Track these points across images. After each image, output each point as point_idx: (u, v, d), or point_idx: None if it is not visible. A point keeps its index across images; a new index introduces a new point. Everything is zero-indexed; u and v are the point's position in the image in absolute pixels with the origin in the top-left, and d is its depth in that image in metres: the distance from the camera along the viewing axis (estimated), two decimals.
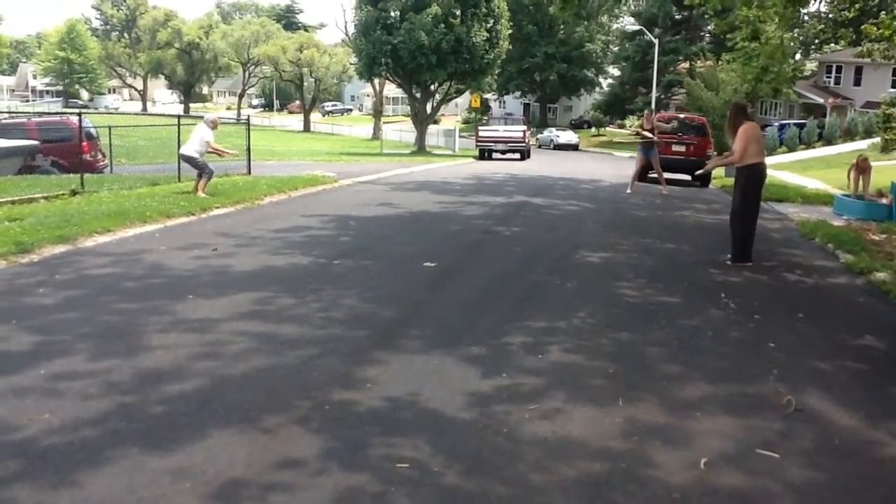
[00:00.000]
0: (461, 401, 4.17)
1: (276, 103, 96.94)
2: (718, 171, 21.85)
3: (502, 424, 3.87)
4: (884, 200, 13.68)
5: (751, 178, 8.48)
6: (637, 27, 58.78)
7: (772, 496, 3.26)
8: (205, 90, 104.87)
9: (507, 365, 4.80)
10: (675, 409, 4.17)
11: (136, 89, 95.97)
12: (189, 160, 12.94)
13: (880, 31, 15.69)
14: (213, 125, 13.34)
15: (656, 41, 49.14)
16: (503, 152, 33.31)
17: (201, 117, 14.74)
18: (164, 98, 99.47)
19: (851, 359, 5.31)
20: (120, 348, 4.89)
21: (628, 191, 17.13)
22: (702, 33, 63.56)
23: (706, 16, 57.19)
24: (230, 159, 14.90)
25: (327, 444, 3.60)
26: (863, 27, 16.64)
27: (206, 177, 12.80)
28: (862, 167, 15.39)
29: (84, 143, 15.67)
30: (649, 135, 16.97)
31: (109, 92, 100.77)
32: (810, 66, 52.20)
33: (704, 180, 20.99)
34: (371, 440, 3.64)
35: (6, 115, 23.08)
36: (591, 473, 3.39)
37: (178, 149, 13.91)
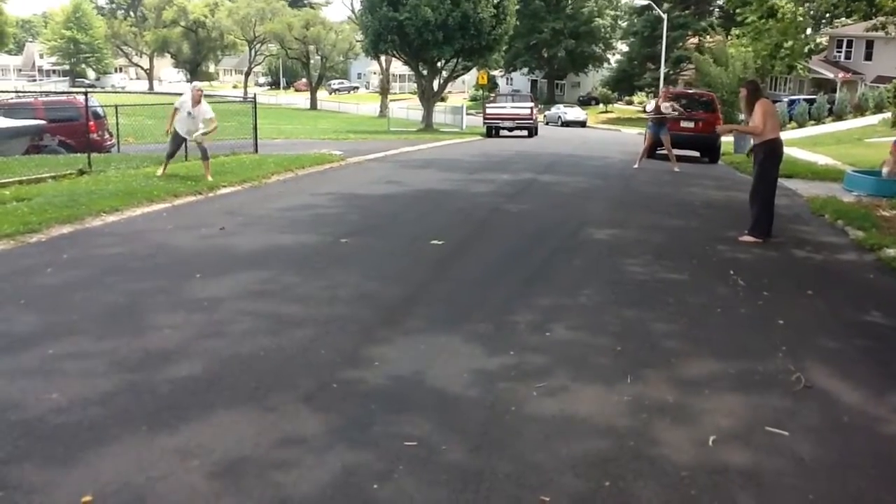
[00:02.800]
0: (468, 379, 4.17)
1: (283, 81, 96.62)
2: (727, 148, 21.77)
3: (509, 402, 3.87)
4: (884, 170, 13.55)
5: (770, 154, 8.52)
6: (646, 2, 58.22)
7: (780, 473, 3.25)
8: (211, 68, 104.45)
9: (513, 343, 4.79)
10: (683, 386, 4.16)
11: (142, 68, 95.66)
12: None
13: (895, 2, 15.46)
14: (196, 98, 12.30)
15: (665, 16, 48.64)
16: (511, 129, 33.12)
17: (207, 95, 14.47)
18: (171, 77, 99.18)
19: (861, 336, 5.28)
20: (127, 328, 4.90)
21: (635, 166, 17.07)
22: (711, 8, 62.98)
23: None
24: (235, 138, 14.74)
25: (334, 422, 3.60)
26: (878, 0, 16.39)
27: (167, 157, 12.65)
28: None
29: (91, 123, 15.67)
30: (668, 111, 16.96)
31: (116, 71, 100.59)
32: (821, 40, 51.67)
33: (714, 156, 20.86)
34: (378, 418, 3.64)
35: (13, 95, 23.05)
36: (598, 451, 3.39)
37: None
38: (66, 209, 8.73)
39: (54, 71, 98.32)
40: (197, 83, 13.64)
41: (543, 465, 3.25)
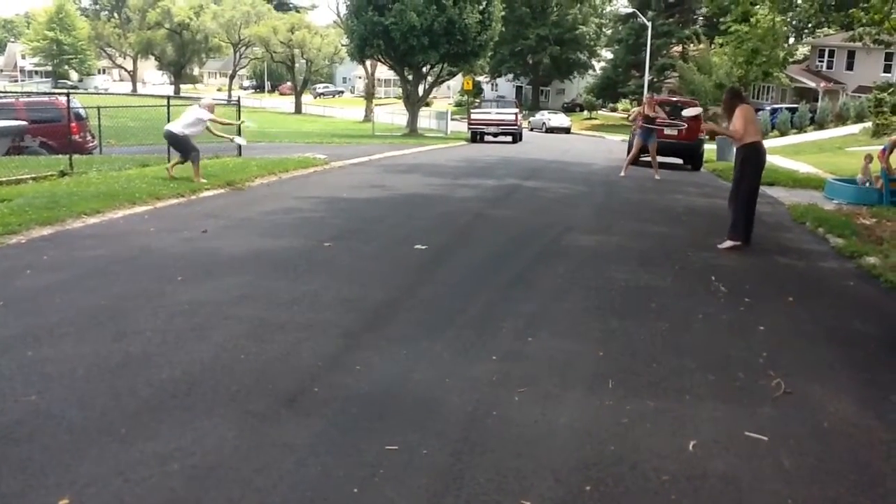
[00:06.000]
0: (451, 384, 4.16)
1: (268, 85, 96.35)
2: (710, 156, 21.92)
3: (491, 407, 3.87)
4: (859, 177, 13.69)
5: (749, 157, 8.53)
6: (630, 10, 58.60)
7: (760, 479, 3.27)
8: (195, 71, 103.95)
9: (496, 348, 4.79)
10: (664, 392, 4.18)
11: (126, 70, 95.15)
12: (173, 138, 12.35)
13: (870, 15, 15.64)
14: (211, 109, 12.91)
15: (649, 24, 49.01)
16: (495, 135, 33.21)
17: (191, 97, 14.50)
18: (155, 79, 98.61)
19: (841, 342, 5.32)
20: (108, 330, 4.86)
21: (622, 174, 17.14)
22: (695, 16, 63.43)
23: None
24: (222, 141, 14.63)
25: (315, 426, 3.58)
26: (852, 11, 16.59)
27: (195, 161, 12.47)
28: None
29: (73, 124, 15.57)
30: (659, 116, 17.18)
31: (99, 73, 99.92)
32: (803, 50, 52.18)
33: (696, 164, 21.00)
34: (360, 423, 3.63)
35: None
36: (579, 456, 3.39)
37: None
38: (47, 211, 8.66)
39: (37, 72, 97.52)
40: (210, 99, 13.80)
41: (524, 469, 3.25)
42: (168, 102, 16.79)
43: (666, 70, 58.46)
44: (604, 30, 71.27)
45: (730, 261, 7.96)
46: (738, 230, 8.55)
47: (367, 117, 56.18)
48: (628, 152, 18.99)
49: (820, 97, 46.69)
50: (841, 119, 42.35)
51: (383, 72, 65.17)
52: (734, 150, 8.88)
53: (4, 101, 20.11)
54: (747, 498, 3.11)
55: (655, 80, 57.99)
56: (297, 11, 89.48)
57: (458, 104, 66.27)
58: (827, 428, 3.83)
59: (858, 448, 3.63)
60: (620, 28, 65.89)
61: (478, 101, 46.68)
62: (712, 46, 44.90)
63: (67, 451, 3.24)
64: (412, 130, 41.37)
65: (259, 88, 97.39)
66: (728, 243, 8.48)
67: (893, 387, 4.43)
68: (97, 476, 3.05)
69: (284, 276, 6.45)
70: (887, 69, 42.61)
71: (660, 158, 17.83)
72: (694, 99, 28.34)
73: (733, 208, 8.65)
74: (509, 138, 33.26)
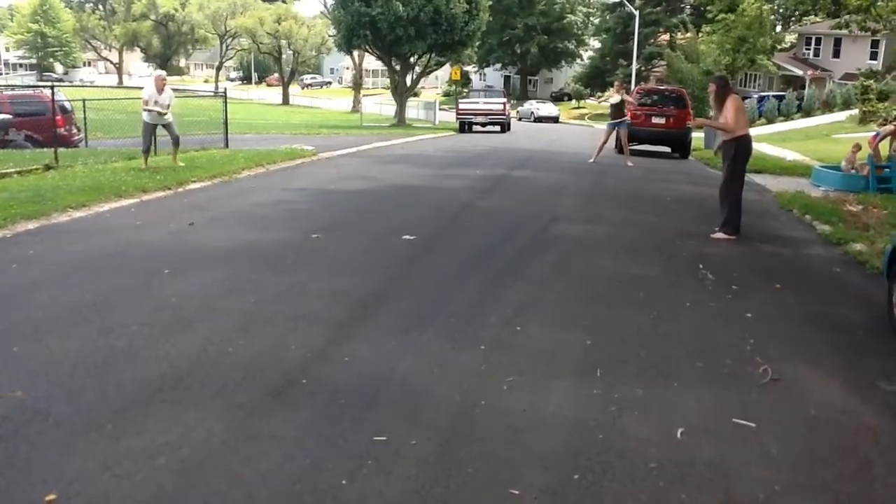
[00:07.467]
0: (439, 374, 4.16)
1: (255, 76, 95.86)
2: (698, 143, 21.95)
3: (479, 397, 3.87)
4: (848, 168, 13.75)
5: (740, 150, 8.47)
6: None
7: (748, 466, 3.28)
8: (182, 63, 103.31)
9: (484, 337, 4.79)
10: (652, 379, 4.19)
11: (111, 62, 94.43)
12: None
13: (859, 1, 15.69)
14: (158, 85, 12.70)
15: (637, 12, 48.95)
16: (483, 125, 33.15)
17: (177, 89, 14.46)
18: (141, 71, 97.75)
19: (828, 329, 5.35)
20: (94, 325, 4.83)
21: (591, 160, 17.20)
22: (682, 5, 63.43)
23: None
24: (205, 132, 14.65)
25: (303, 418, 3.58)
26: None
27: (145, 152, 12.79)
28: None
29: (58, 117, 15.45)
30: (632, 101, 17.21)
31: (84, 65, 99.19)
32: (790, 38, 52.32)
33: (684, 152, 21.04)
34: (347, 414, 3.62)
35: None
36: (568, 445, 3.40)
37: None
38: (32, 205, 8.60)
39: (21, 64, 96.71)
40: (159, 71, 13.89)
41: (513, 458, 3.25)
42: None
43: (654, 59, 58.47)
44: (591, 19, 71.19)
45: (717, 249, 7.98)
46: (734, 225, 8.47)
47: (355, 108, 56.05)
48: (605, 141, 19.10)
49: (807, 85, 46.80)
50: (828, 106, 42.52)
51: (371, 62, 64.95)
52: (719, 140, 8.79)
53: None
54: (735, 485, 3.13)
55: (643, 68, 58.01)
56: (284, 2, 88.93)
57: (447, 94, 66.14)
58: (814, 414, 3.85)
59: (845, 434, 3.65)
60: (608, 17, 65.82)
61: (466, 90, 46.56)
62: (699, 35, 44.95)
63: (54, 447, 3.23)
64: (400, 121, 41.25)
65: (246, 80, 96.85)
66: (721, 235, 8.43)
67: (880, 372, 4.46)
68: (84, 472, 3.04)
69: (272, 269, 6.42)
70: (873, 56, 42.74)
71: (649, 147, 17.87)
72: (681, 87, 28.38)
73: (728, 204, 8.51)
74: (497, 128, 33.21)
